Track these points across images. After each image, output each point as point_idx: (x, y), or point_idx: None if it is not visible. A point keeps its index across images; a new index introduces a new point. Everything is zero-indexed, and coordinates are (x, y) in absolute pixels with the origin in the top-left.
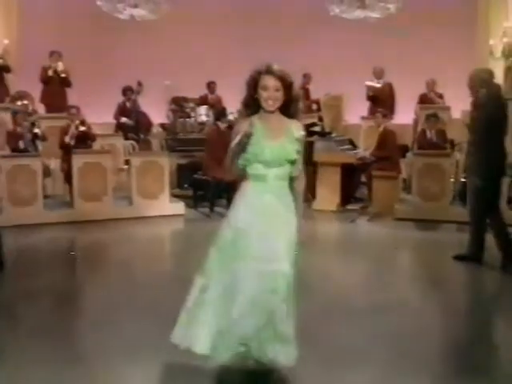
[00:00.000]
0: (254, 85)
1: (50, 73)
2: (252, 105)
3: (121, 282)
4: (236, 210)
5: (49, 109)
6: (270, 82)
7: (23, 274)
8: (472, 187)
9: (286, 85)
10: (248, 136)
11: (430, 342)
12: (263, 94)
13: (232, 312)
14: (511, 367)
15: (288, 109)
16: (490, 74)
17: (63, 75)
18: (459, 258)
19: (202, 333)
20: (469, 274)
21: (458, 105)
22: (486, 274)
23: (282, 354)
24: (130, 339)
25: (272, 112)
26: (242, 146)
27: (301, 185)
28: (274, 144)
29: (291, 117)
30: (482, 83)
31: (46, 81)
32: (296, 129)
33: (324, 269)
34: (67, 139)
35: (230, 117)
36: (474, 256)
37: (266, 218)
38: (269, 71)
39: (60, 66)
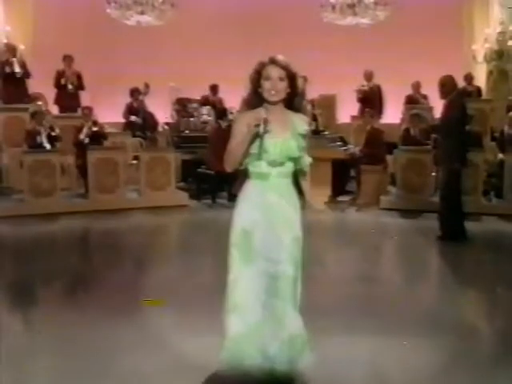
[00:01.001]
0: (257, 78)
1: (63, 81)
2: (255, 100)
3: (133, 265)
4: (240, 211)
5: (62, 110)
6: (273, 71)
7: (44, 257)
8: (451, 172)
9: (290, 75)
10: (266, 123)
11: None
12: (266, 85)
13: (248, 318)
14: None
15: (292, 102)
16: (455, 80)
17: (72, 86)
18: (442, 238)
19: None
20: (443, 251)
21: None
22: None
23: (300, 360)
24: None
25: (275, 104)
26: (260, 135)
27: (306, 183)
28: (278, 140)
29: (297, 110)
30: (453, 87)
31: (59, 86)
32: (300, 123)
33: (315, 251)
34: (82, 136)
35: (231, 116)
36: (456, 234)
37: (269, 217)
38: (272, 61)
39: (71, 78)
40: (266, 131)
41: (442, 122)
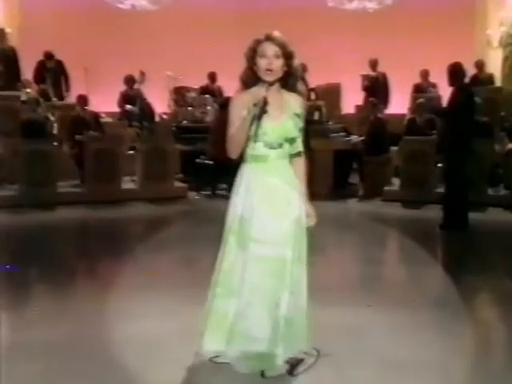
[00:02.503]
0: (252, 55)
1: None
2: (251, 78)
3: (132, 254)
4: (237, 197)
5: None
6: (269, 48)
7: (41, 247)
8: (451, 160)
9: (287, 54)
10: (266, 103)
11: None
12: (262, 63)
13: (239, 304)
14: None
15: (287, 82)
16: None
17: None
18: (442, 226)
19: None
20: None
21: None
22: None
23: (297, 350)
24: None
25: (271, 84)
26: (259, 115)
27: (302, 165)
28: (275, 123)
29: (291, 90)
30: (461, 75)
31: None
32: (296, 103)
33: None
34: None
35: None
36: (457, 224)
37: (269, 201)
38: (268, 38)
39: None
40: (264, 111)
41: (446, 109)
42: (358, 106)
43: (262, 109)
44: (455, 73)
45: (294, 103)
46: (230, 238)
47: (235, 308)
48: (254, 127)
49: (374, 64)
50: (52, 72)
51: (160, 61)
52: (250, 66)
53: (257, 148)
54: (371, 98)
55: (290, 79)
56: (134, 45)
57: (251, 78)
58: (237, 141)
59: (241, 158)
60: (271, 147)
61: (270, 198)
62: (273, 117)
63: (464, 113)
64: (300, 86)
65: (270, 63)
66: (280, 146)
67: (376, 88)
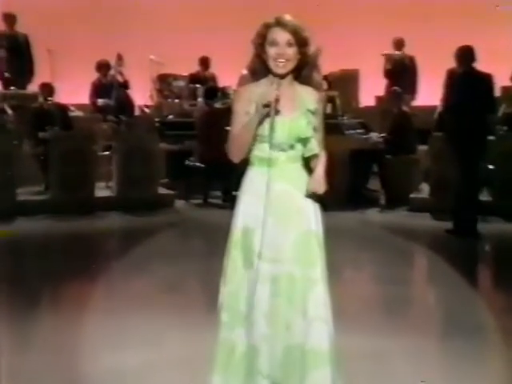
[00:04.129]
0: (261, 42)
1: None
2: (259, 68)
3: (104, 275)
4: (241, 205)
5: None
6: (280, 35)
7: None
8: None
9: (301, 40)
10: (278, 102)
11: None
12: (272, 52)
13: (248, 335)
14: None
15: (300, 73)
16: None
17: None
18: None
19: None
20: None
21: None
22: None
23: (310, 378)
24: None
25: (283, 76)
26: (271, 116)
27: (323, 158)
28: (286, 120)
29: (305, 82)
30: (470, 59)
31: None
32: (310, 98)
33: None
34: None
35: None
36: (466, 230)
37: (277, 210)
38: (279, 23)
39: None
40: (277, 111)
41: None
42: (378, 97)
43: (274, 109)
44: (461, 56)
45: (307, 98)
46: (235, 254)
47: (244, 340)
48: (263, 127)
49: (399, 44)
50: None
51: (141, 42)
52: (259, 54)
53: (265, 150)
54: (395, 87)
55: (304, 69)
56: (110, 23)
57: (260, 68)
58: (241, 143)
59: (240, 161)
60: (281, 149)
61: (279, 206)
62: (282, 113)
63: (466, 102)
64: (316, 77)
65: (282, 53)
66: (291, 147)
67: (401, 73)
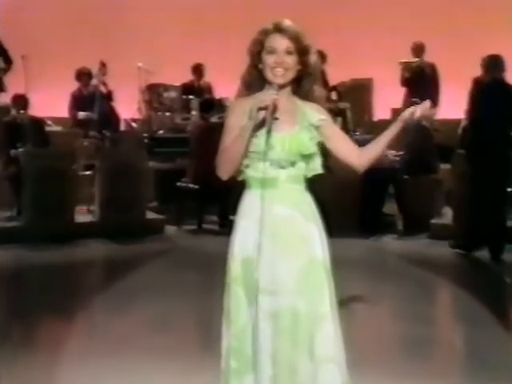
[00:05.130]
0: (258, 51)
1: None
2: (256, 80)
3: (85, 311)
4: (238, 233)
5: None
6: (279, 42)
7: None
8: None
9: (301, 48)
10: (275, 108)
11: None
12: (269, 60)
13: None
14: None
15: (300, 84)
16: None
17: None
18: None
19: None
20: None
21: None
22: None
23: None
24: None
25: (281, 87)
26: (268, 124)
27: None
28: (285, 134)
29: (305, 96)
30: (500, 68)
31: None
32: (313, 112)
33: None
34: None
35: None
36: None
37: (278, 237)
38: (278, 28)
39: None
40: (275, 118)
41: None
42: (395, 110)
43: (271, 115)
44: (489, 65)
45: (309, 111)
46: (235, 289)
47: None
48: (259, 140)
49: (418, 49)
50: None
51: (128, 47)
52: (255, 65)
53: (262, 168)
54: (413, 99)
55: (304, 82)
56: (92, 26)
57: (256, 80)
58: (231, 157)
59: (239, 182)
60: (280, 166)
61: (279, 232)
62: (281, 128)
63: (493, 116)
64: (318, 91)
65: (281, 61)
66: (292, 164)
67: (420, 83)
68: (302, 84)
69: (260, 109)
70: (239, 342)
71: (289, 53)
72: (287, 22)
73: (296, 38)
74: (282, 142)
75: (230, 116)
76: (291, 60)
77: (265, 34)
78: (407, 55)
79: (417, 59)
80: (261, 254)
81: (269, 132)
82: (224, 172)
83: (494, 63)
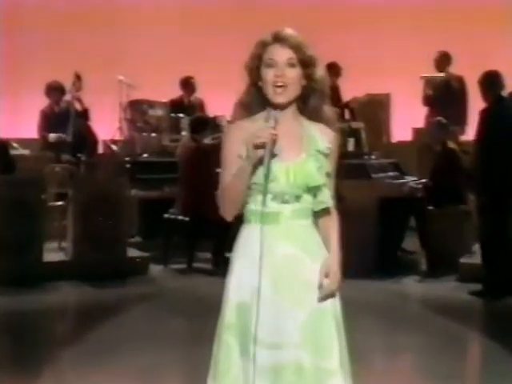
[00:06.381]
0: (256, 66)
1: None
2: (255, 99)
3: (54, 365)
4: (236, 274)
5: None
6: (278, 52)
7: None
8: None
9: (305, 60)
10: (274, 143)
11: None
12: (269, 75)
13: None
14: None
15: (306, 103)
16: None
17: None
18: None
19: None
20: None
21: None
22: None
23: None
24: None
25: (284, 107)
26: (268, 160)
27: (334, 225)
28: (289, 164)
29: (313, 116)
30: (499, 86)
31: None
32: (321, 137)
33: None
34: None
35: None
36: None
37: (280, 281)
38: (277, 38)
39: None
40: (274, 155)
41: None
42: (416, 130)
43: (269, 152)
44: (488, 83)
45: (318, 136)
46: (228, 340)
47: None
48: (259, 175)
49: (443, 61)
50: None
51: (107, 58)
52: (254, 82)
53: (264, 202)
54: (438, 117)
55: (311, 99)
56: (66, 32)
57: (256, 99)
58: (232, 196)
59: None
60: (283, 201)
61: (282, 275)
62: (284, 156)
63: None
64: (327, 110)
65: (281, 74)
66: (297, 198)
67: (446, 99)
68: (309, 102)
69: (256, 147)
70: None
71: (291, 65)
72: (288, 31)
73: (298, 48)
74: (286, 173)
75: (226, 145)
76: (294, 73)
77: (263, 45)
78: (430, 67)
79: (441, 74)
80: (259, 300)
81: (267, 170)
82: (227, 213)
83: (492, 81)
